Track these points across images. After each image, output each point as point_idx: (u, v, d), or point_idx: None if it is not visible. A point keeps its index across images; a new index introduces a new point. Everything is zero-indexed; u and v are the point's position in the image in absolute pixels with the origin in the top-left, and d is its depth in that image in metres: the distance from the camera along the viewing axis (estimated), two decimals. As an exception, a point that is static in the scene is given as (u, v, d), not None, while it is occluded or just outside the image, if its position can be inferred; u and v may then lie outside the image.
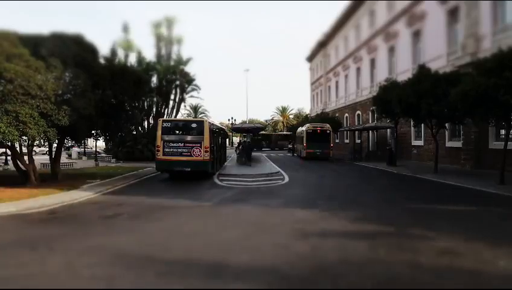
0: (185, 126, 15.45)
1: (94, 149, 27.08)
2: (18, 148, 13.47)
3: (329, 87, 44.41)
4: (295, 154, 33.51)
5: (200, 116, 73.75)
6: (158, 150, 14.68)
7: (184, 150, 14.56)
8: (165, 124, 15.08)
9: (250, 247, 5.68)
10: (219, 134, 19.59)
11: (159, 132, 14.77)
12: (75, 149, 30.47)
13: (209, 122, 16.04)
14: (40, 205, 9.23)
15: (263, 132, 46.60)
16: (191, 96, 34.91)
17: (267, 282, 4.27)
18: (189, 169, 14.59)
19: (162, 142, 14.60)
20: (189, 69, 42.12)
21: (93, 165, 22.28)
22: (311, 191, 12.00)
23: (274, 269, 4.67)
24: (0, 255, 5.52)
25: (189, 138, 14.76)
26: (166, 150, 14.60)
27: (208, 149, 14.68)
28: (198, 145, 14.58)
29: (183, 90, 31.53)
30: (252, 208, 8.96)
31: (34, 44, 11.36)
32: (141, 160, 25.55)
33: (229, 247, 5.71)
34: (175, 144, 14.63)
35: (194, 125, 15.29)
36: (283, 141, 49.20)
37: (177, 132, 15.02)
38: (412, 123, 19.37)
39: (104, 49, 19.32)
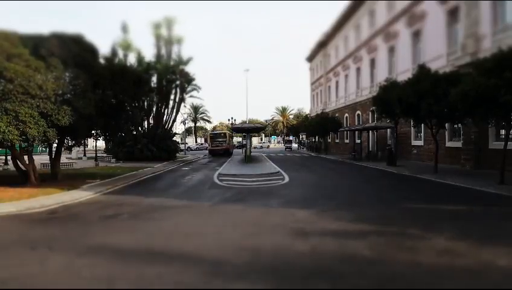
0: (219, 134, 39.36)
1: (94, 149, 27.05)
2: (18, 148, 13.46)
3: (329, 87, 44.39)
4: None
5: (200, 116, 74.03)
6: (208, 145, 39.45)
7: (219, 144, 36.99)
8: (211, 134, 40.97)
9: (250, 247, 5.69)
10: (232, 136, 42.16)
11: (209, 137, 39.86)
12: (75, 149, 30.40)
13: (228, 132, 39.68)
14: (40, 205, 9.24)
15: None
16: (191, 96, 35.01)
17: (267, 282, 4.28)
18: (222, 152, 35.66)
19: (210, 141, 38.22)
20: (189, 69, 42.20)
21: (93, 165, 22.29)
22: (311, 191, 12.00)
23: (274, 269, 4.67)
24: (0, 255, 5.53)
25: (220, 139, 37.43)
26: (212, 144, 37.54)
27: (229, 144, 37.50)
28: (224, 142, 37.27)
29: (183, 90, 31.51)
30: (251, 208, 8.96)
31: (34, 44, 11.36)
32: (141, 160, 25.57)
33: (229, 247, 5.71)
34: (215, 142, 37.36)
35: (222, 134, 38.78)
36: None
37: (216, 136, 38.40)
38: (411, 123, 19.36)
39: (104, 49, 19.34)
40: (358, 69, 33.92)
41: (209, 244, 5.86)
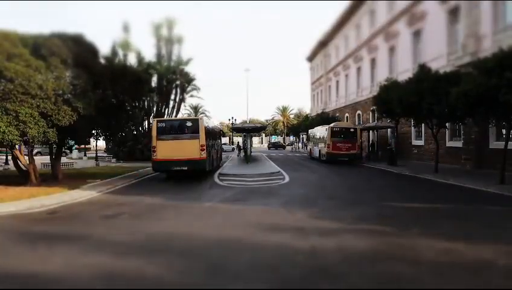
0: (180, 125, 15.20)
1: (95, 149, 27.09)
2: (18, 148, 13.48)
3: (329, 86, 44.39)
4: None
5: (200, 116, 73.82)
6: (154, 151, 14.41)
7: (180, 149, 14.26)
8: (160, 124, 14.84)
9: (251, 247, 5.69)
10: (215, 133, 20.34)
11: (154, 132, 14.57)
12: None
13: (203, 120, 15.78)
14: (41, 204, 9.23)
15: None
16: (192, 96, 34.89)
17: (267, 282, 4.27)
18: (186, 168, 14.48)
19: (157, 142, 14.38)
20: (189, 69, 42.05)
21: (94, 165, 22.29)
22: (312, 190, 11.99)
23: (274, 269, 4.67)
24: (0, 254, 5.53)
25: (184, 136, 14.64)
26: (163, 150, 14.32)
27: (204, 147, 14.62)
28: (194, 143, 14.45)
29: (184, 90, 31.50)
30: (252, 208, 8.96)
31: (34, 44, 11.36)
32: (141, 160, 25.56)
33: (230, 247, 5.71)
34: (171, 144, 14.37)
35: (189, 123, 15.08)
36: None
37: (172, 131, 14.82)
38: (412, 123, 19.35)
39: (104, 49, 19.31)
40: (358, 69, 33.91)
41: (210, 244, 5.85)
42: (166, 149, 14.28)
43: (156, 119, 16.72)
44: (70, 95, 11.67)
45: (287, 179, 14.87)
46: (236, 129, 33.95)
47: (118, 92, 13.93)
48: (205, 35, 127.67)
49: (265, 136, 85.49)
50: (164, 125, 15.03)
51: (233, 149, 28.72)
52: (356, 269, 4.64)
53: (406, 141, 24.25)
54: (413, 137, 23.74)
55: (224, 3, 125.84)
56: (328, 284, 4.22)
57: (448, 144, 19.71)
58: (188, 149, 14.32)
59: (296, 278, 4.37)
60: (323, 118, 35.72)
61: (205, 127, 15.25)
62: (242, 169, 18.87)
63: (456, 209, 8.71)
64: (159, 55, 29.84)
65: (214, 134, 19.13)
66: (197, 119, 15.55)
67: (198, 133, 14.61)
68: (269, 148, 56.37)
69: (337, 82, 40.82)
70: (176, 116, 31.67)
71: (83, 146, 29.98)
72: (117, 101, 14.31)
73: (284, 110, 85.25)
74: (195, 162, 14.43)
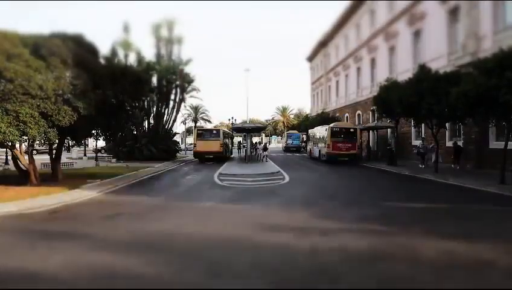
0: (209, 131, 27.04)
1: (95, 149, 27.10)
2: (18, 148, 13.45)
3: (329, 86, 44.38)
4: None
5: (200, 116, 73.90)
6: (195, 146, 25.54)
7: (209, 145, 24.72)
8: (198, 131, 26.59)
9: (251, 247, 5.69)
10: (228, 135, 31.32)
11: (195, 135, 26.05)
12: (75, 149, 30.34)
13: (222, 129, 27.55)
14: (41, 204, 9.23)
15: None
16: (191, 96, 34.88)
17: (267, 282, 4.28)
18: (212, 156, 24.76)
19: (197, 141, 25.29)
20: (189, 69, 42.05)
21: (94, 165, 22.26)
22: (312, 190, 12.00)
23: (274, 269, 4.67)
24: (1, 254, 5.53)
25: (211, 138, 25.25)
26: (199, 145, 25.05)
27: (222, 145, 25.29)
28: (217, 142, 25.05)
29: (183, 91, 31.46)
30: (252, 208, 8.96)
31: (34, 44, 11.33)
32: (141, 160, 25.55)
33: (230, 247, 5.71)
34: (204, 142, 25.04)
35: (214, 131, 26.82)
36: None
37: (205, 135, 25.75)
38: (412, 123, 19.36)
39: (104, 49, 19.26)
40: (358, 69, 33.92)
41: (210, 244, 5.86)
42: (202, 145, 24.85)
43: (196, 128, 28.67)
44: (70, 95, 11.64)
45: (287, 179, 14.88)
46: (236, 129, 33.91)
47: (118, 92, 13.90)
48: (205, 35, 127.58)
49: (265, 136, 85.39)
50: (201, 132, 26.43)
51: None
52: (356, 269, 4.64)
53: (406, 141, 24.25)
54: (413, 137, 23.74)
55: (224, 3, 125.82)
56: (328, 284, 4.23)
57: (448, 143, 19.72)
58: (213, 145, 24.72)
59: (297, 278, 4.37)
60: (323, 118, 35.70)
61: (223, 133, 25.85)
62: (242, 169, 18.88)
63: (456, 209, 8.71)
64: (158, 55, 29.77)
65: (227, 136, 29.35)
66: (219, 129, 27.78)
67: (219, 136, 25.29)
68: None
69: (337, 82, 40.82)
70: (175, 116, 31.99)
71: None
72: (117, 101, 14.29)
73: (284, 110, 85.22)
74: (216, 153, 24.86)
